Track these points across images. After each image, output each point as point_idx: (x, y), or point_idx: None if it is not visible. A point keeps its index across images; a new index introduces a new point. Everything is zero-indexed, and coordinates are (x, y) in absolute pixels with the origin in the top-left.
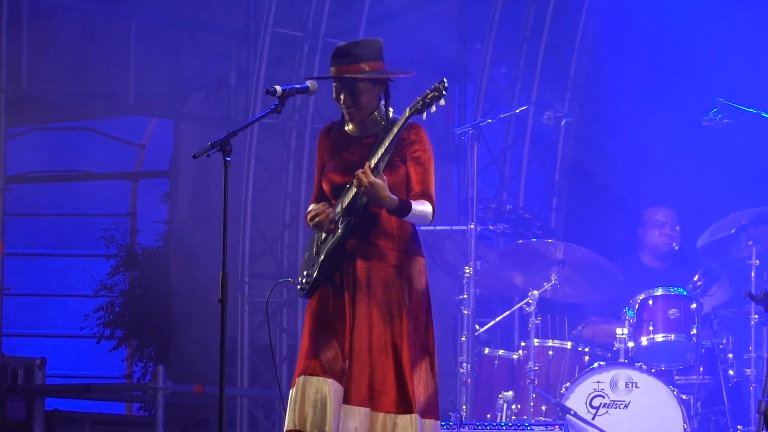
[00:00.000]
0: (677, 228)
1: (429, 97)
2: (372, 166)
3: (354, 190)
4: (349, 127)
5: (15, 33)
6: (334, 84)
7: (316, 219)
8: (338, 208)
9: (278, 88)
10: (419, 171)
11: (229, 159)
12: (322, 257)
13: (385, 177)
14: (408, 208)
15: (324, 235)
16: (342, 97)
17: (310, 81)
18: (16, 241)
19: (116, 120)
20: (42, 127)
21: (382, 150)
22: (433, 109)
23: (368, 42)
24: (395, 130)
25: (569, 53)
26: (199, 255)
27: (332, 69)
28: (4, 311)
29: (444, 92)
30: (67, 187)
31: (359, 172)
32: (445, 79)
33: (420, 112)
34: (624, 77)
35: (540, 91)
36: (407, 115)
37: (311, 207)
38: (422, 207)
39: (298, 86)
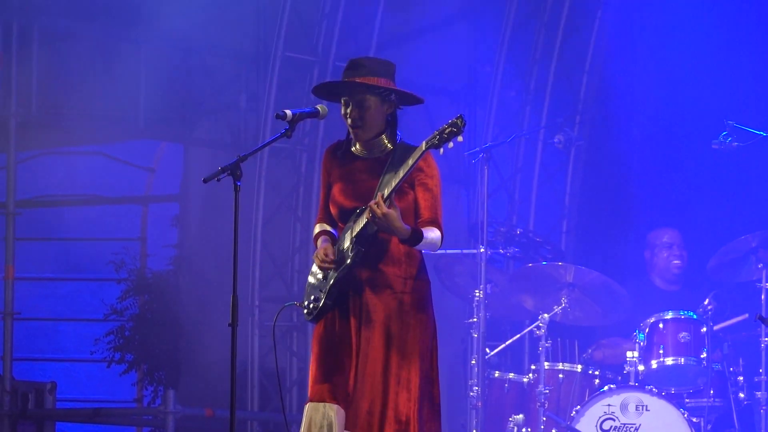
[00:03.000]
0: (684, 249)
1: (446, 132)
2: (385, 197)
3: (365, 219)
4: (355, 148)
5: (25, 57)
6: (343, 98)
7: (317, 263)
8: (347, 236)
9: (288, 112)
10: (428, 198)
11: (239, 183)
12: (331, 283)
13: (398, 207)
14: (420, 237)
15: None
16: (349, 110)
17: (320, 105)
18: (27, 266)
19: (126, 144)
20: (52, 151)
21: (395, 181)
22: (450, 144)
23: (383, 61)
24: (410, 162)
25: (579, 76)
26: (209, 279)
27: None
28: (15, 335)
29: (462, 128)
30: (77, 212)
31: (372, 203)
32: (462, 115)
33: (437, 146)
34: (634, 100)
35: (550, 114)
36: (423, 148)
37: (318, 245)
38: (432, 235)
39: (308, 110)
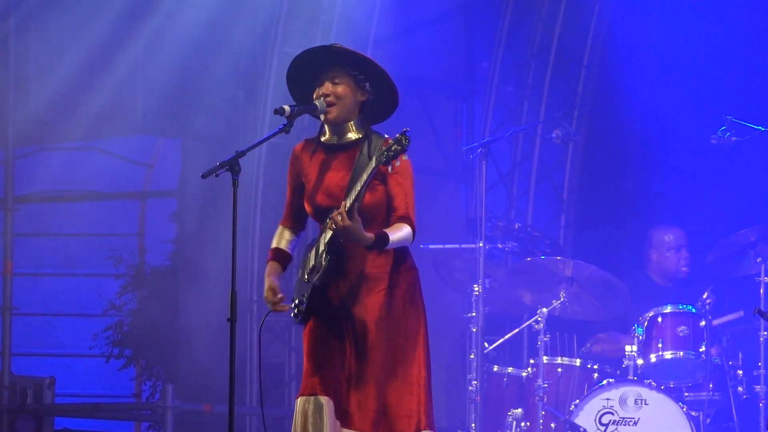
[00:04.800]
0: (689, 250)
1: (392, 149)
2: (347, 208)
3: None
4: (326, 137)
5: (22, 53)
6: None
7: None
8: (321, 240)
9: (286, 107)
10: (399, 192)
11: (237, 179)
12: (310, 290)
13: (359, 218)
14: (385, 241)
15: (311, 262)
16: (324, 86)
17: (318, 101)
18: (25, 261)
19: (124, 140)
20: (50, 147)
21: (354, 195)
22: (397, 163)
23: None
24: (365, 177)
25: (577, 71)
26: (207, 274)
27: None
28: (13, 331)
29: (406, 146)
30: (76, 207)
31: (335, 215)
32: (406, 130)
33: (385, 164)
34: (632, 95)
35: (548, 109)
36: (373, 165)
37: (266, 276)
38: (399, 233)
39: (306, 106)
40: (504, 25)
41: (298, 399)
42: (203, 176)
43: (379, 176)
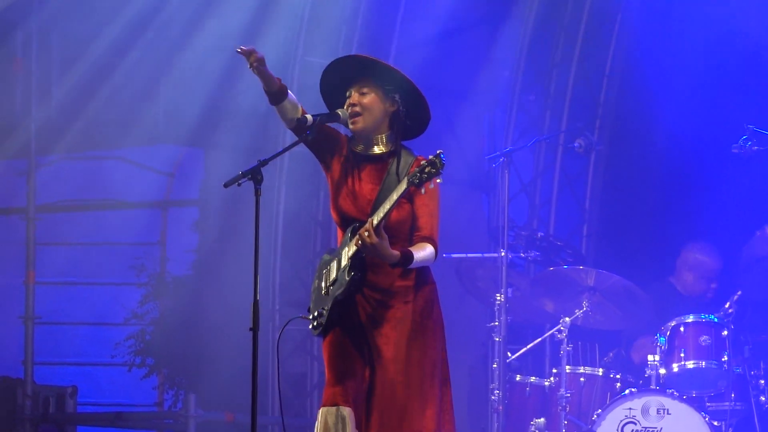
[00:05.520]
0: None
1: (426, 171)
2: (374, 225)
3: (355, 246)
4: (356, 145)
5: (44, 63)
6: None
7: None
8: (343, 254)
9: (308, 116)
10: (424, 212)
11: (260, 188)
12: (331, 304)
13: (386, 236)
14: (410, 259)
15: (332, 274)
16: (352, 96)
17: (340, 109)
18: (47, 270)
19: (146, 148)
20: (71, 156)
21: (382, 213)
22: (431, 185)
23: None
24: (395, 197)
25: (599, 80)
26: (229, 283)
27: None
28: (36, 340)
29: (441, 169)
30: (98, 216)
31: (362, 231)
32: (441, 153)
33: (418, 186)
34: (653, 104)
35: (570, 118)
36: (405, 186)
37: None
38: (423, 253)
39: (328, 114)
40: (526, 33)
41: (320, 410)
42: (225, 185)
43: (406, 195)
